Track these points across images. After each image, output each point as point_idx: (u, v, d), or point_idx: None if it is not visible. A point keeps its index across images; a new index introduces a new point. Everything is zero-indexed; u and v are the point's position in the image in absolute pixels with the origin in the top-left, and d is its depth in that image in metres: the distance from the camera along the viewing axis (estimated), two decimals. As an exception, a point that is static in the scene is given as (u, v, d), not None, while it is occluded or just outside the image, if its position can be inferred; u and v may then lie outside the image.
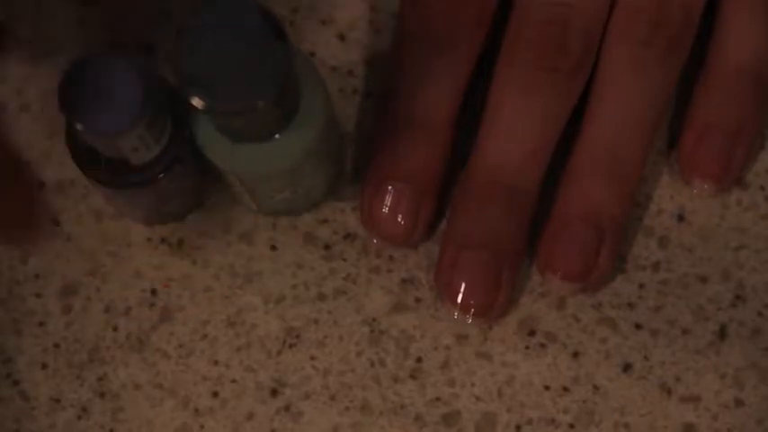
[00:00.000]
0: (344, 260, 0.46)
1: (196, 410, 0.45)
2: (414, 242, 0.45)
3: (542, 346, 0.45)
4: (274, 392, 0.45)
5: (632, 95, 0.44)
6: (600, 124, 0.44)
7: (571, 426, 0.44)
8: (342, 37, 0.48)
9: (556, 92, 0.44)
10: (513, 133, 0.44)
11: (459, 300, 0.44)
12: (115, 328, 0.46)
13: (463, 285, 0.44)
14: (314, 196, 0.45)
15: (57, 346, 0.46)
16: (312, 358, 0.45)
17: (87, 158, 0.41)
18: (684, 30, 0.44)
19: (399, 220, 0.44)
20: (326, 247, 0.46)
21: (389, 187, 0.44)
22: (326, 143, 0.42)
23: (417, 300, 0.45)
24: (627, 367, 0.45)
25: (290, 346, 0.45)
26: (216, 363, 0.45)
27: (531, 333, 0.45)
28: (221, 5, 0.37)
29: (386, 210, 0.44)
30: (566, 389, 0.45)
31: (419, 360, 0.45)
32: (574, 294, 0.45)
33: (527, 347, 0.45)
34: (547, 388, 0.45)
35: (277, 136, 0.40)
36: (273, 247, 0.46)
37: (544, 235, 0.45)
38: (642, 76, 0.44)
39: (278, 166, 0.41)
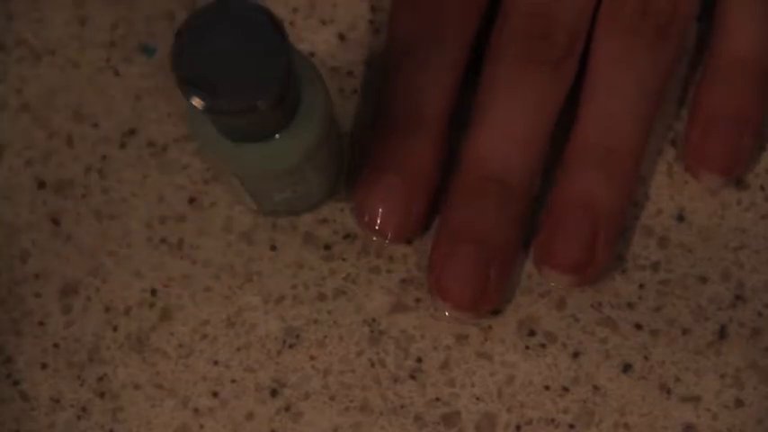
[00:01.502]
0: (344, 260, 0.46)
1: (196, 410, 0.45)
2: (406, 238, 0.45)
3: (542, 346, 0.45)
4: (274, 392, 0.45)
5: (622, 85, 0.44)
6: (592, 115, 0.45)
7: (571, 426, 0.44)
8: (342, 37, 0.48)
9: (543, 83, 0.44)
10: (502, 126, 0.44)
11: (447, 294, 0.44)
12: (115, 328, 0.46)
13: (451, 280, 0.44)
14: (315, 197, 0.45)
15: (56, 346, 0.46)
16: (312, 358, 0.45)
17: None
18: (673, 18, 0.45)
19: (391, 215, 0.44)
20: (326, 247, 0.46)
21: (381, 182, 0.44)
22: (327, 143, 0.42)
23: (417, 300, 0.45)
24: (627, 367, 0.45)
25: (290, 346, 0.45)
26: (216, 363, 0.45)
27: (531, 333, 0.45)
28: (221, 5, 0.37)
29: (377, 205, 0.44)
30: (566, 389, 0.45)
31: (419, 360, 0.45)
32: (571, 287, 0.45)
33: (527, 347, 0.45)
34: (547, 388, 0.45)
35: (277, 136, 0.40)
36: (273, 247, 0.46)
37: (540, 228, 0.45)
38: (631, 66, 0.44)
39: (278, 166, 0.41)
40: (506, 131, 0.44)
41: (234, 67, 0.37)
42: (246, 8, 0.37)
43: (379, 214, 0.45)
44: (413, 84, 0.45)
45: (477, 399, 0.45)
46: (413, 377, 0.45)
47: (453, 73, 0.45)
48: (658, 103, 0.45)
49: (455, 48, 0.45)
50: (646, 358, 0.45)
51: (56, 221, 0.46)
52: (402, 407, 0.45)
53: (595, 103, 0.45)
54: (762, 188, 0.46)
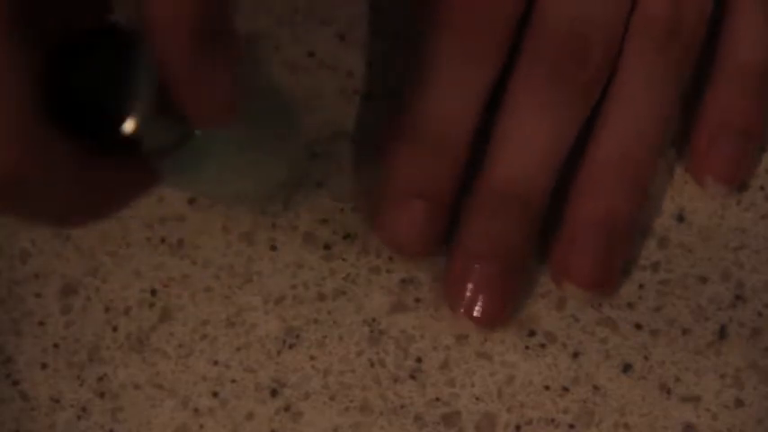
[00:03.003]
0: (344, 260, 0.46)
1: (196, 410, 0.45)
2: (427, 254, 0.45)
3: (542, 346, 0.45)
4: (274, 392, 0.45)
5: (646, 102, 0.44)
6: (613, 130, 0.44)
7: (571, 426, 0.44)
8: (342, 37, 0.48)
9: (571, 105, 0.44)
10: (526, 145, 0.44)
11: (471, 311, 0.44)
12: (115, 329, 0.46)
13: (474, 297, 0.44)
14: (269, 184, 0.44)
15: (56, 346, 0.46)
16: (312, 358, 0.45)
17: None
18: (697, 35, 0.45)
19: (415, 238, 0.44)
20: (326, 247, 0.46)
21: (406, 207, 0.44)
22: (246, 141, 0.40)
23: (417, 300, 0.45)
24: (627, 367, 0.45)
25: (290, 346, 0.45)
26: (215, 363, 0.45)
27: (531, 333, 0.45)
28: (80, 33, 0.35)
29: (402, 230, 0.44)
30: (566, 389, 0.45)
31: (419, 360, 0.45)
32: (590, 302, 0.45)
33: (527, 347, 0.45)
34: (547, 388, 0.45)
35: (198, 132, 0.38)
36: (273, 247, 0.46)
37: (558, 243, 0.45)
38: (656, 84, 0.44)
39: (190, 176, 0.39)
40: (530, 150, 0.44)
41: (97, 91, 0.35)
42: (106, 29, 0.35)
43: (403, 238, 0.44)
44: (443, 106, 0.44)
45: (477, 399, 0.45)
46: (413, 377, 0.45)
47: (483, 96, 0.45)
48: (675, 116, 0.45)
49: (489, 71, 0.45)
50: (646, 358, 0.45)
51: (56, 221, 0.46)
52: (402, 407, 0.45)
53: (614, 117, 0.44)
54: (762, 188, 0.46)
